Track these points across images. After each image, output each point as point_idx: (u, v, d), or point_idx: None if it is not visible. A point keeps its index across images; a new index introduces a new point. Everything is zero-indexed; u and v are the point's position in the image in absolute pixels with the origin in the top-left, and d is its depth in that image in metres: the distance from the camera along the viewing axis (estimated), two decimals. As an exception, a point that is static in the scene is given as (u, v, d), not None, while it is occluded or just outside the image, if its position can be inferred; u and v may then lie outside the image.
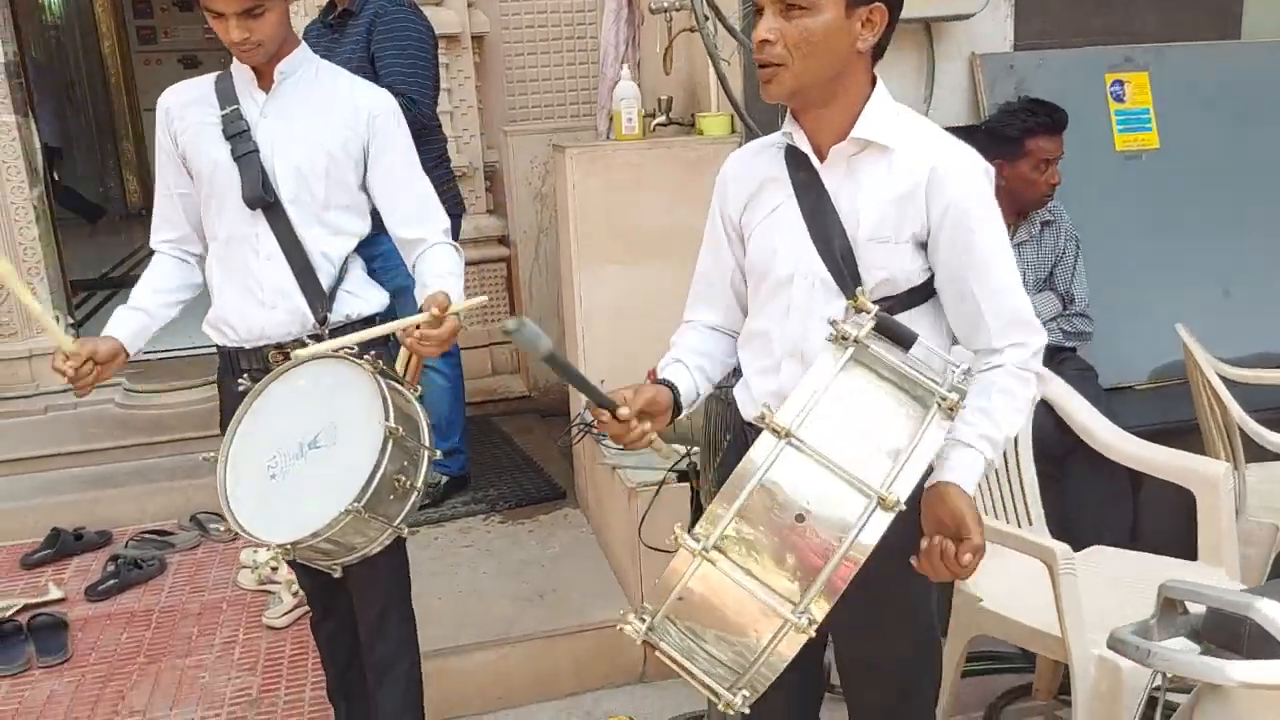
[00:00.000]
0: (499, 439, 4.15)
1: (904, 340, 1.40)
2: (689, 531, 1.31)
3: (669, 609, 1.30)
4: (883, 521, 1.26)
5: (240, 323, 2.04)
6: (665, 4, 3.16)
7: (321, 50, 2.78)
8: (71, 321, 4.60)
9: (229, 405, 1.99)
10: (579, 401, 3.37)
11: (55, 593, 3.38)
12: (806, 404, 1.31)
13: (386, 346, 2.09)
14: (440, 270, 2.03)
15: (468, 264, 2.16)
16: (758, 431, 1.69)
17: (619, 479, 2.88)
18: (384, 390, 1.77)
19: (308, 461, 1.81)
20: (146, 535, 3.72)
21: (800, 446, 1.28)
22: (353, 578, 2.06)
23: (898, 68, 3.16)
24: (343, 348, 1.85)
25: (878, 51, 1.54)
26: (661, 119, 3.36)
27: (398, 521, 1.82)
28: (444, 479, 3.55)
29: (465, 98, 4.47)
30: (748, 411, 1.71)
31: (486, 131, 4.58)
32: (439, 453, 1.88)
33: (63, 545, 3.66)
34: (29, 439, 4.16)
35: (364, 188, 2.10)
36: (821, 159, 1.57)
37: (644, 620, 1.31)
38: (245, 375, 1.95)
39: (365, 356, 1.83)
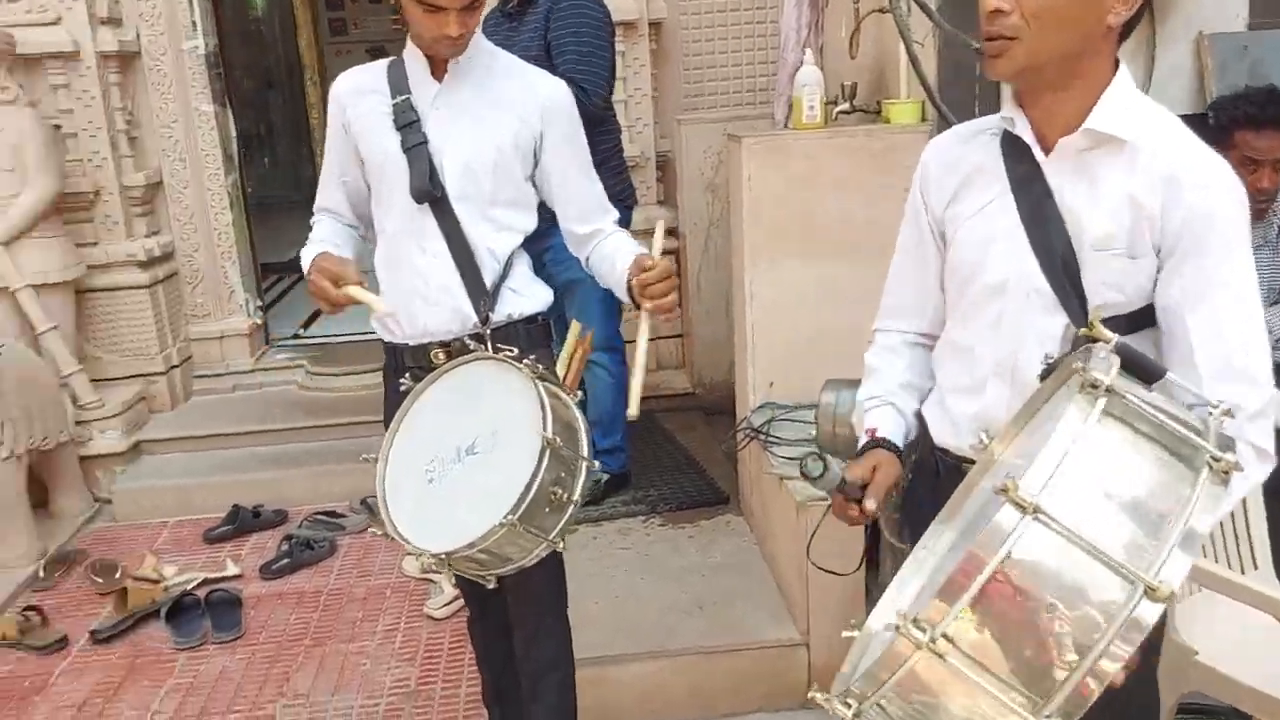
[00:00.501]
0: (661, 437, 4.06)
1: (1151, 376, 1.18)
2: (905, 614, 1.12)
3: (883, 697, 1.11)
4: (1151, 613, 1.03)
5: (405, 318, 2.00)
6: (854, -16, 2.97)
7: (500, 40, 2.73)
8: (260, 304, 4.79)
9: (392, 403, 1.96)
10: (745, 402, 3.22)
11: (232, 569, 3.50)
12: (1054, 470, 1.07)
13: (549, 348, 2.02)
14: (627, 249, 1.97)
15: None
16: (951, 458, 1.53)
17: (787, 491, 2.72)
18: (543, 397, 1.67)
19: (465, 467, 1.74)
20: (319, 516, 3.82)
21: (1049, 523, 1.05)
22: (509, 585, 1.99)
23: (1113, 50, 2.86)
24: (503, 350, 1.78)
25: (1125, 30, 1.33)
26: (844, 106, 3.17)
27: (552, 535, 1.73)
28: (604, 477, 3.48)
29: (640, 86, 4.38)
30: (942, 434, 1.53)
31: (660, 120, 4.48)
32: (596, 464, 1.78)
33: (242, 522, 3.79)
34: (217, 417, 4.35)
35: (531, 181, 2.03)
36: (1046, 151, 1.37)
37: (849, 706, 1.12)
38: (408, 374, 1.91)
39: (525, 361, 1.75)
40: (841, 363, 1.76)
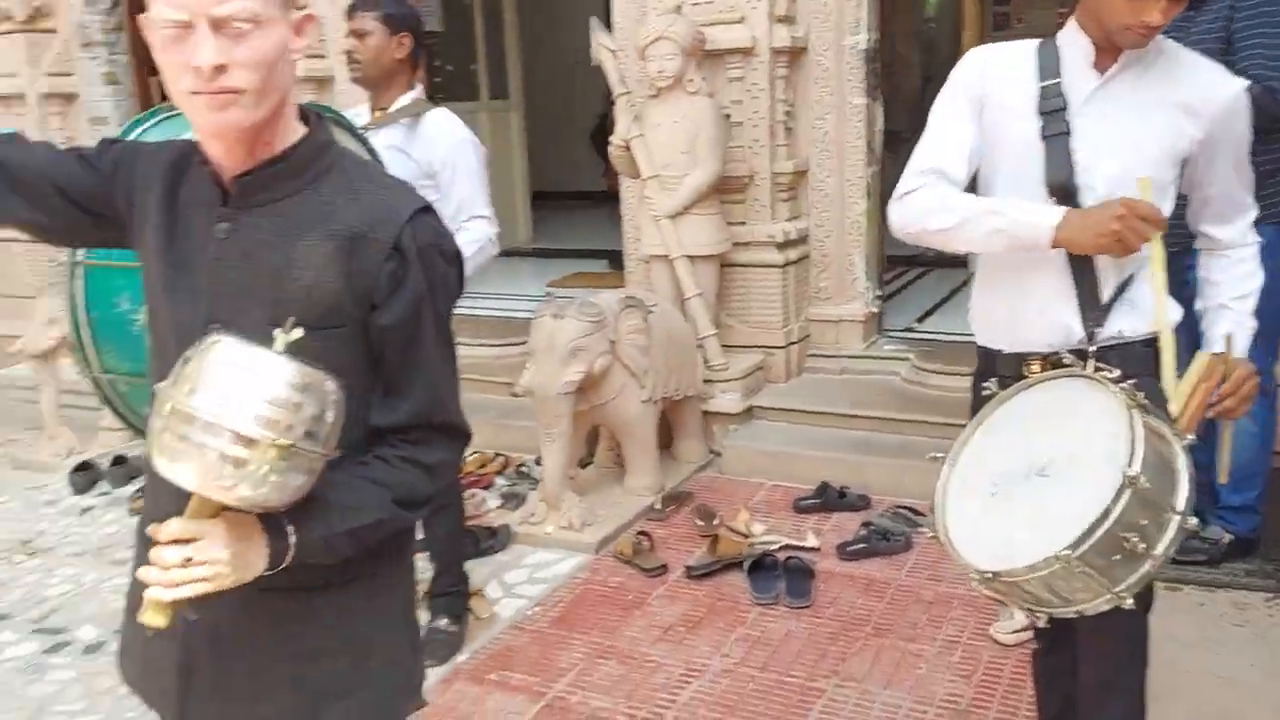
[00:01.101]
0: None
1: None
2: None
3: None
4: None
5: (1002, 324, 1.90)
6: None
7: (1172, 30, 2.45)
8: (879, 293, 4.91)
9: (975, 405, 1.88)
10: None
11: (812, 541, 3.66)
12: None
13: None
14: (1230, 293, 1.79)
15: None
16: None
17: None
18: (1136, 429, 1.47)
19: (1032, 488, 1.60)
20: (900, 509, 3.83)
21: None
22: (1080, 628, 1.81)
23: None
24: (1102, 370, 1.59)
25: None
26: None
27: (1120, 588, 1.51)
28: (1228, 537, 2.99)
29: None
30: None
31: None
32: (1193, 521, 1.51)
33: (828, 499, 3.95)
34: (823, 395, 4.57)
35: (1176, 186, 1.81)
36: None
37: None
38: (994, 380, 1.80)
39: (1124, 385, 1.54)
40: None
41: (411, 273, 1.30)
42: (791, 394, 4.62)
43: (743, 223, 4.66)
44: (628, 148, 4.45)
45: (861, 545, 3.60)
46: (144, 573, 1.19)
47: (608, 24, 4.69)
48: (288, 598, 1.33)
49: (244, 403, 1.11)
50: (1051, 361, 1.76)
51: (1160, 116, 1.76)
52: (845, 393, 4.56)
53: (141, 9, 1.25)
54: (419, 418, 1.35)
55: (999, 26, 7.80)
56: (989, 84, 1.87)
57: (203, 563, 1.17)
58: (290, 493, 1.17)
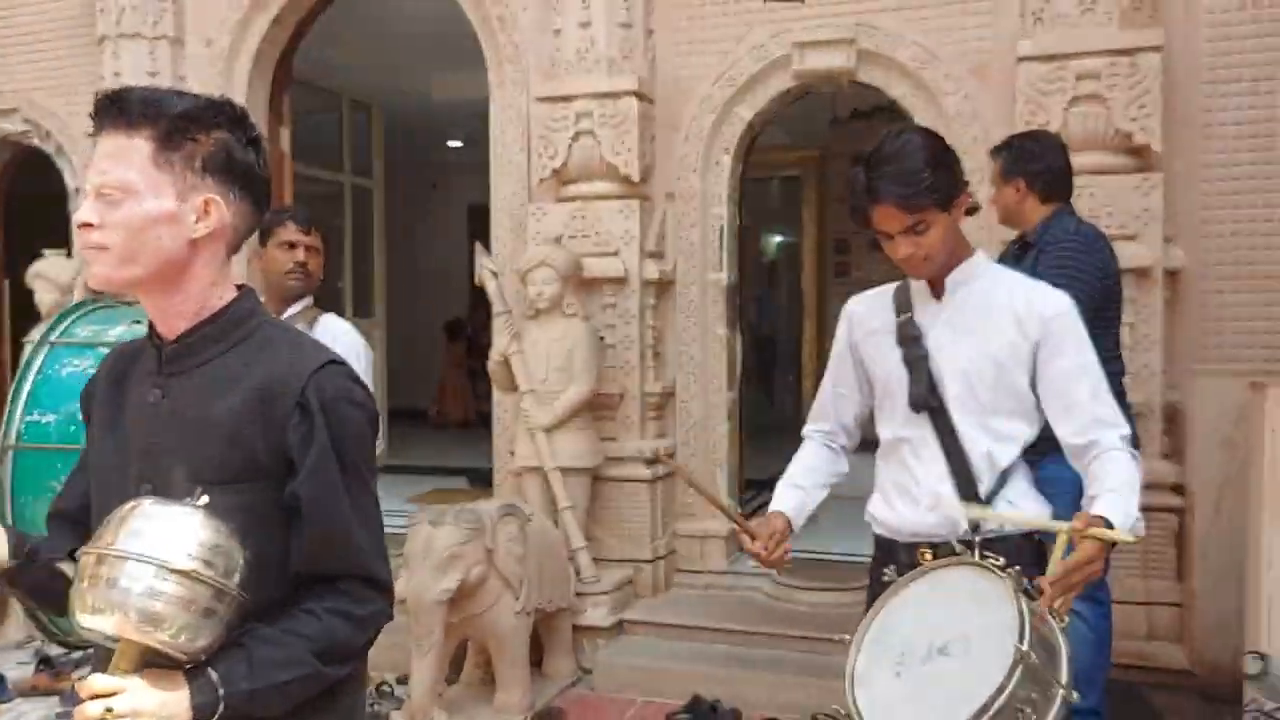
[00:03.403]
0: (1146, 715, 3.61)
1: None
2: None
3: None
4: None
5: (893, 518, 2.10)
6: None
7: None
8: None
9: (874, 591, 2.05)
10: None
11: (686, 756, 3.65)
12: None
13: (1041, 570, 1.98)
14: (1113, 482, 1.89)
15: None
16: None
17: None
18: (1024, 610, 1.65)
19: (932, 667, 1.75)
20: (770, 723, 3.87)
21: None
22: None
23: None
24: (989, 558, 1.79)
25: None
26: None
27: None
28: (1075, 726, 3.16)
29: (1149, 333, 4.19)
30: None
31: (1169, 369, 4.22)
32: (1075, 695, 1.68)
33: (699, 714, 3.95)
34: (690, 610, 4.64)
35: (1034, 389, 2.05)
36: None
37: None
38: (893, 567, 1.98)
39: (1009, 570, 1.74)
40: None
41: (317, 425, 1.35)
42: (661, 608, 4.68)
43: (613, 439, 4.84)
44: (506, 362, 4.63)
45: (734, 760, 3.60)
46: None
47: (487, 247, 4.96)
48: None
49: (167, 544, 1.18)
50: (943, 551, 1.96)
51: (992, 331, 2.02)
52: (712, 608, 4.65)
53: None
54: (339, 568, 1.37)
55: (840, 273, 8.60)
56: (858, 328, 2.22)
57: (124, 715, 1.17)
58: (208, 638, 1.21)
